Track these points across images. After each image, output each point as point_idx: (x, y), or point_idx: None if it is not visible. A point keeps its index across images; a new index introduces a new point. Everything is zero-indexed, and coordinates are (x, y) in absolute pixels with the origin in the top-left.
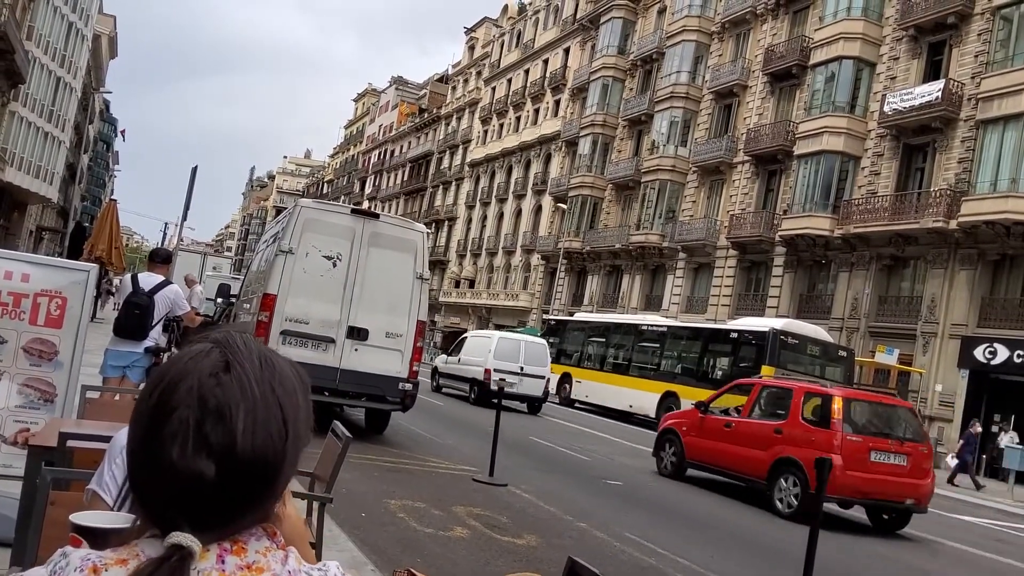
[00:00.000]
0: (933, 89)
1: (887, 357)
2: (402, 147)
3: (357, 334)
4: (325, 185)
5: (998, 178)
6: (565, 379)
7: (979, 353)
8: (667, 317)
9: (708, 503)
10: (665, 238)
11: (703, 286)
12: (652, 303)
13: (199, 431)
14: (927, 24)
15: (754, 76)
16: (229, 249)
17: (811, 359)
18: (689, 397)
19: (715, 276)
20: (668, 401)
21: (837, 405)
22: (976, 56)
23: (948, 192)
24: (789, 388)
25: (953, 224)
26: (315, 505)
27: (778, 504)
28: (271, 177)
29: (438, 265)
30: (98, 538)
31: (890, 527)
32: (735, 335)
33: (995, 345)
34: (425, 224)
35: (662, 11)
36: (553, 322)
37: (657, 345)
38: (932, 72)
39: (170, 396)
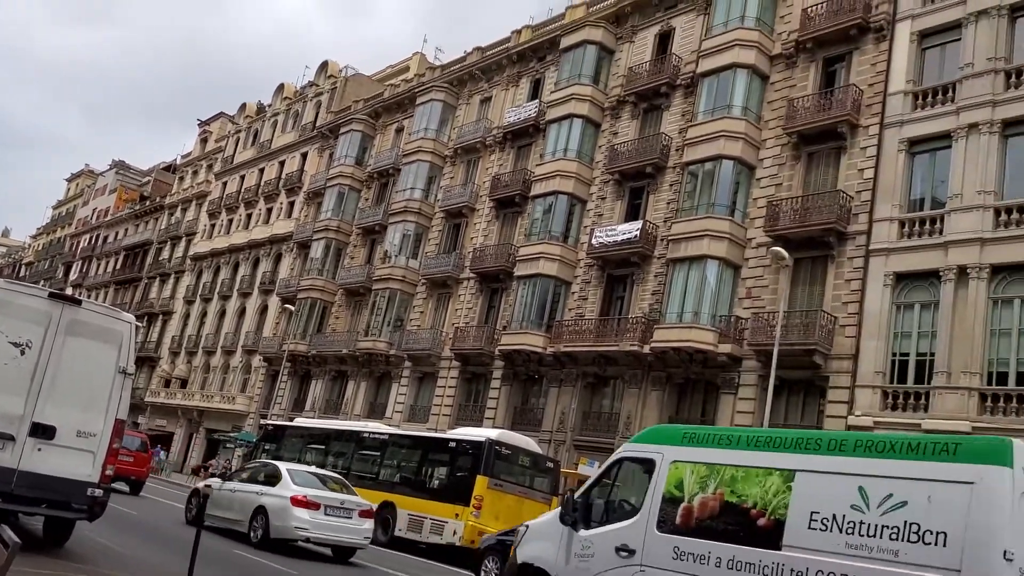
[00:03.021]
0: (632, 228)
1: (589, 469)
2: (117, 233)
3: (42, 432)
4: (23, 268)
5: (684, 310)
6: None
7: None
8: (390, 425)
9: None
10: (393, 346)
11: (427, 395)
12: (376, 410)
13: None
14: (629, 171)
15: (481, 200)
16: None
17: (522, 469)
18: (407, 507)
19: (439, 386)
20: (385, 512)
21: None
22: (668, 203)
23: (643, 320)
24: (137, 437)
25: (647, 349)
26: None
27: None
28: None
29: (148, 362)
30: None
31: (133, 492)
32: (453, 444)
33: None
34: (137, 317)
35: (400, 130)
36: (271, 427)
37: (378, 453)
38: (633, 213)
39: None
